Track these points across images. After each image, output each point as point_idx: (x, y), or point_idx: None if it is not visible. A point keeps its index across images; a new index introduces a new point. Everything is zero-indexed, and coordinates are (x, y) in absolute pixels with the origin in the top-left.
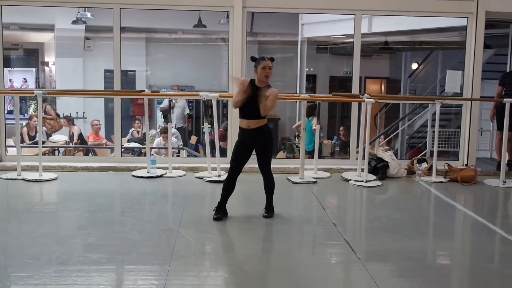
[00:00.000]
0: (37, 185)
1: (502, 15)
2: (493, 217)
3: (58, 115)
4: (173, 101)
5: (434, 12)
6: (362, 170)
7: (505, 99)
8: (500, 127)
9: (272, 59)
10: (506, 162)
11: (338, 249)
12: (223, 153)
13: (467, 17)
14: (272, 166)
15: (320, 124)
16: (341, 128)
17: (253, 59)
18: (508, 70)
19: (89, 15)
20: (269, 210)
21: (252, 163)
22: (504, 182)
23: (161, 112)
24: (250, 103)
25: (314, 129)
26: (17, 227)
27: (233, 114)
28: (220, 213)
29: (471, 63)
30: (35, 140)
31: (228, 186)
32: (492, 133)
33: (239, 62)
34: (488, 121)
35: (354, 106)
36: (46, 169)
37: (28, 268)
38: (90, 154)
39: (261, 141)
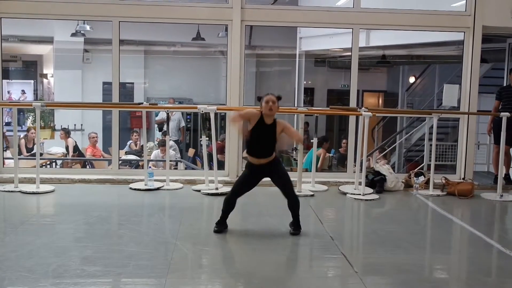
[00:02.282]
0: (34, 197)
1: (498, 29)
2: (490, 231)
3: None
4: (169, 114)
5: (431, 27)
6: (360, 183)
7: (502, 113)
8: (497, 141)
9: (279, 97)
10: (503, 176)
11: (335, 263)
12: (221, 165)
13: (464, 32)
14: (267, 178)
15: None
16: (344, 141)
17: (258, 98)
18: (504, 84)
19: (88, 27)
20: (296, 227)
21: None
22: (501, 196)
23: (156, 125)
24: (260, 141)
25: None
26: (14, 239)
27: (231, 127)
28: (221, 226)
29: (468, 77)
30: (32, 152)
31: (230, 205)
32: (489, 147)
33: (237, 75)
34: (485, 135)
35: (352, 120)
36: (44, 181)
37: (24, 281)
38: (87, 167)
39: (275, 173)
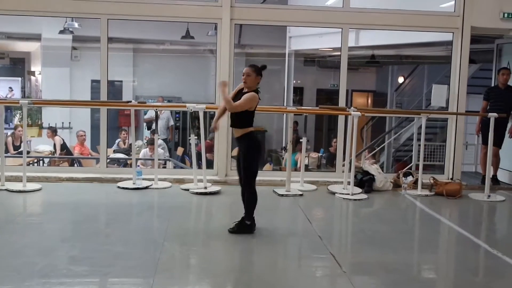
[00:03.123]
0: (21, 195)
1: (487, 30)
2: (478, 231)
3: None
4: (158, 112)
5: (420, 27)
6: (348, 183)
7: (490, 114)
8: (485, 142)
9: (259, 68)
10: (491, 176)
11: (323, 262)
12: (210, 164)
13: (453, 32)
14: (258, 178)
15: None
16: (334, 140)
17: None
18: (492, 85)
19: (76, 25)
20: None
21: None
22: (489, 196)
23: (145, 123)
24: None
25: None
26: (0, 238)
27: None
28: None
29: (456, 77)
30: (19, 150)
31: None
32: (477, 147)
33: (226, 74)
34: (473, 135)
35: (341, 119)
36: (30, 179)
37: (10, 280)
38: (75, 165)
39: (240, 151)
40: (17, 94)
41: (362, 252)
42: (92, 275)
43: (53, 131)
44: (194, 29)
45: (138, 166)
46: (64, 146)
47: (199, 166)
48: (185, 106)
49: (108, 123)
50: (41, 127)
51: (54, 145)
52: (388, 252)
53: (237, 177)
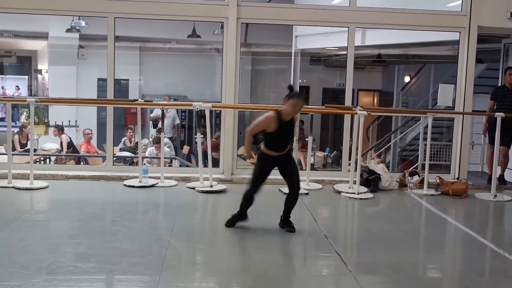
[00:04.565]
0: (28, 193)
1: (493, 30)
2: (484, 231)
3: None
4: (164, 111)
5: (427, 26)
6: (354, 182)
7: (496, 113)
8: (492, 141)
9: (306, 100)
10: (497, 176)
11: (329, 261)
12: (216, 163)
13: (460, 32)
14: None
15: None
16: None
17: (290, 88)
18: (499, 85)
19: (83, 23)
20: (291, 225)
21: (248, 173)
22: (495, 196)
23: (151, 122)
24: (282, 138)
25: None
26: (7, 235)
27: (226, 124)
28: (233, 222)
29: (463, 77)
30: (26, 148)
31: (250, 201)
32: (483, 147)
33: (232, 73)
34: (479, 135)
35: (347, 118)
36: (37, 177)
37: (17, 277)
38: (82, 163)
39: (288, 161)
40: (24, 92)
41: (368, 251)
42: (99, 272)
43: (60, 129)
44: (201, 28)
45: (144, 164)
46: (70, 144)
47: (205, 164)
48: (191, 105)
49: (114, 121)
50: (47, 125)
51: (61, 143)
52: (394, 251)
53: (242, 176)
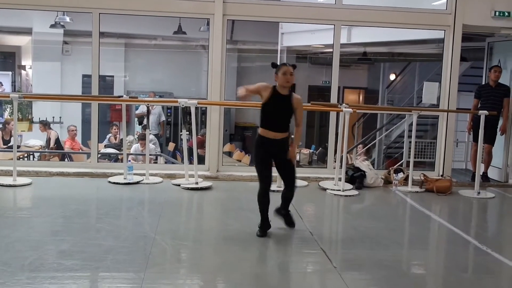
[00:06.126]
0: (11, 190)
1: (478, 28)
2: (467, 227)
3: None
4: (150, 107)
5: (412, 24)
6: (339, 179)
7: (480, 111)
8: (476, 139)
9: (293, 66)
10: (481, 174)
11: (314, 258)
12: (201, 160)
13: (445, 30)
14: (248, 174)
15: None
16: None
17: (273, 65)
18: (483, 83)
19: (68, 19)
20: (291, 220)
21: (233, 170)
22: (479, 193)
23: (136, 118)
24: (277, 113)
25: None
26: None
27: (212, 121)
28: (264, 230)
29: (447, 75)
30: (9, 145)
31: (266, 201)
32: (467, 144)
33: (218, 70)
34: (463, 132)
35: (332, 116)
36: (21, 174)
37: (0, 274)
38: (66, 160)
39: (284, 152)
40: (7, 88)
41: (353, 248)
42: (83, 269)
43: (45, 124)
44: (186, 24)
45: (129, 161)
46: (56, 141)
47: (191, 161)
48: (176, 102)
49: (99, 118)
50: (31, 121)
51: (49, 139)
52: (379, 248)
53: (227, 173)
